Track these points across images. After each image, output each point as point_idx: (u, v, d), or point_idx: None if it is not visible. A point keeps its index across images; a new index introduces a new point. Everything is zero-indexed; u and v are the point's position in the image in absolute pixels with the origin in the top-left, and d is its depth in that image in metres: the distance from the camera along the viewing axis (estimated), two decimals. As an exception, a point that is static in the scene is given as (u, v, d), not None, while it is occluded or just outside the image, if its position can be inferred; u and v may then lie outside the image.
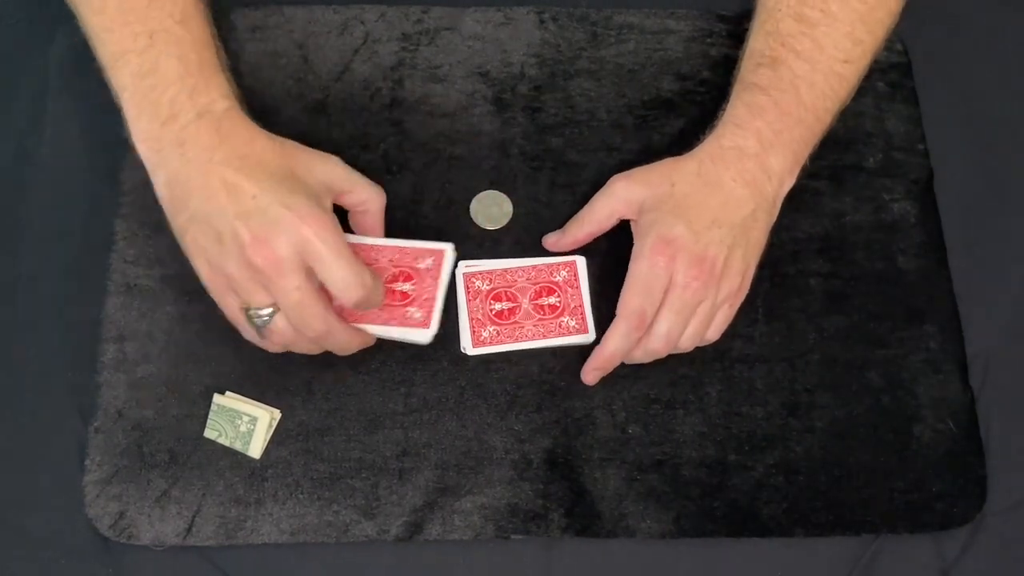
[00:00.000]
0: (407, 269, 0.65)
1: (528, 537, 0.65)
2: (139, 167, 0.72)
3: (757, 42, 0.69)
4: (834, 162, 0.75)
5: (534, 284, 0.67)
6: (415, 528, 0.65)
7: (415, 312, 0.65)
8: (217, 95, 0.61)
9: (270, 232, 0.56)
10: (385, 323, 0.64)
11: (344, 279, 0.58)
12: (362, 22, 0.78)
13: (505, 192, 0.73)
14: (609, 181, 0.68)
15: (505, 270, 0.67)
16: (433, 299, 0.65)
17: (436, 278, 0.66)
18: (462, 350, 0.69)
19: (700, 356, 0.69)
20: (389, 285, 0.65)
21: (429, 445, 0.66)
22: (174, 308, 0.69)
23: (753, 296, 0.71)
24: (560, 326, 0.67)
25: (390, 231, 0.70)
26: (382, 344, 0.68)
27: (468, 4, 0.79)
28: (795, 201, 0.73)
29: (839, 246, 0.73)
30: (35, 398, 0.67)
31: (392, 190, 0.72)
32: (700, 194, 0.65)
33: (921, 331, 0.71)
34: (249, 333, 0.62)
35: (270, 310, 0.59)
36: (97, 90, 0.74)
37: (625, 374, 0.69)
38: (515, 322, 0.66)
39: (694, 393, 0.68)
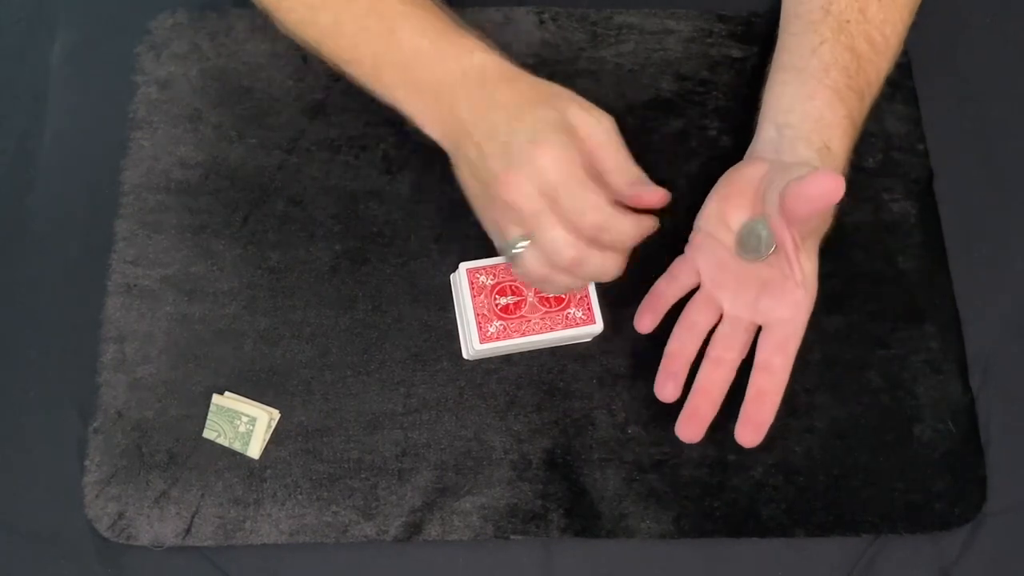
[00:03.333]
0: None
1: (527, 538, 0.65)
2: (139, 167, 0.72)
3: (839, 55, 0.66)
4: (834, 162, 0.75)
5: None
6: (414, 528, 0.65)
7: (576, 312, 0.66)
8: (473, 47, 0.61)
9: (515, 166, 0.56)
10: (551, 330, 0.66)
11: (575, 204, 0.56)
12: (362, 22, 0.78)
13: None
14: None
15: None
16: (588, 296, 0.66)
17: None
18: (465, 356, 0.69)
19: (700, 356, 0.69)
20: (540, 294, 0.66)
21: (428, 445, 0.66)
22: (174, 308, 0.69)
23: (753, 296, 0.71)
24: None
25: (391, 234, 0.70)
26: (382, 344, 0.68)
27: (468, 4, 0.78)
28: (795, 201, 0.74)
29: (839, 246, 0.73)
30: (35, 398, 0.67)
31: (392, 190, 0.72)
32: None
33: (921, 331, 0.71)
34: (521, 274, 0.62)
35: (524, 241, 0.58)
36: (97, 90, 0.75)
37: (625, 374, 0.69)
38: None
39: (694, 393, 0.68)
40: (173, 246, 0.70)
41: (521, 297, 0.66)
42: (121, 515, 0.64)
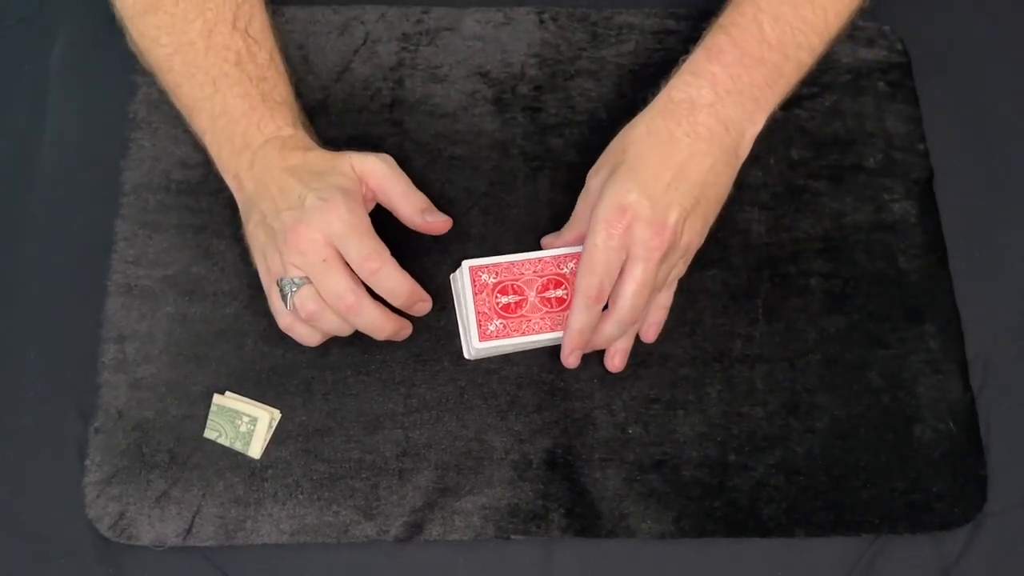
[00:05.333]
0: (553, 276, 0.66)
1: (528, 537, 0.65)
2: (139, 167, 0.72)
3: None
4: (834, 162, 0.75)
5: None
6: (415, 528, 0.65)
7: None
8: (282, 123, 0.66)
9: (303, 218, 0.61)
10: (551, 330, 0.66)
11: (359, 251, 0.61)
12: (362, 22, 0.78)
13: (505, 192, 0.73)
14: (586, 179, 0.68)
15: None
16: None
17: None
18: (466, 356, 0.69)
19: (700, 356, 0.69)
20: (542, 294, 0.66)
21: (429, 445, 0.66)
22: (174, 308, 0.69)
23: (753, 296, 0.71)
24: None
25: (391, 233, 0.70)
26: (382, 344, 0.68)
27: (468, 4, 0.79)
28: (795, 201, 0.74)
29: (839, 246, 0.73)
30: (35, 398, 0.67)
31: (392, 190, 0.72)
32: (654, 154, 0.63)
33: (921, 331, 0.71)
34: (284, 318, 0.65)
35: (301, 280, 0.62)
36: (97, 90, 0.75)
37: (625, 374, 0.69)
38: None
39: (694, 393, 0.69)
40: (173, 246, 0.70)
41: (522, 296, 0.66)
42: (122, 515, 0.64)
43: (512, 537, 0.65)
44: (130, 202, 0.71)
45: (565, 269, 0.67)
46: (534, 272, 0.67)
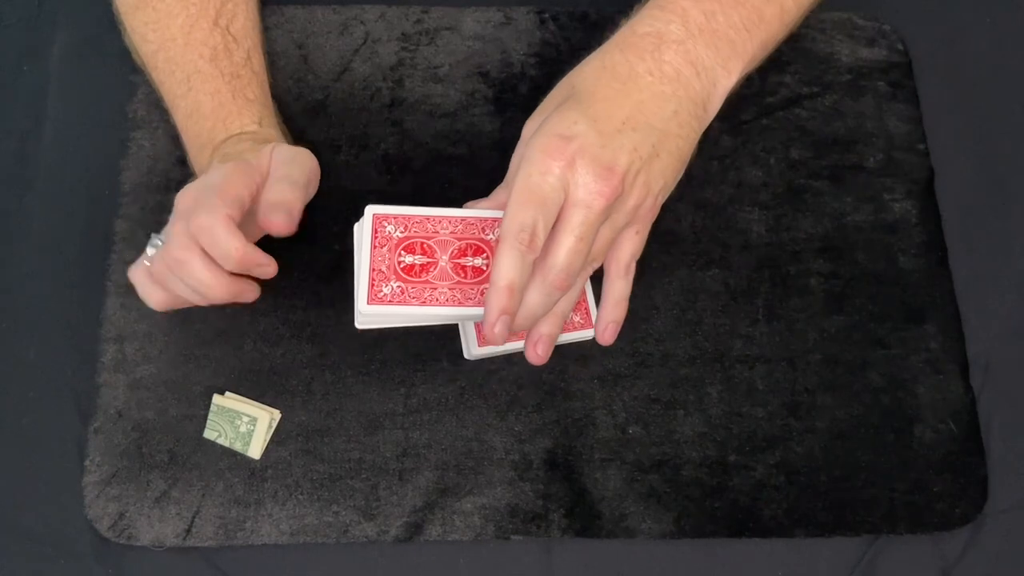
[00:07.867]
0: (474, 242, 0.56)
1: (528, 538, 0.65)
2: (139, 167, 0.72)
3: None
4: (834, 162, 0.75)
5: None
6: (415, 529, 0.65)
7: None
8: (248, 120, 0.66)
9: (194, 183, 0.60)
10: (460, 304, 0.55)
11: (197, 206, 0.57)
12: (362, 22, 0.78)
13: (505, 192, 0.73)
14: (523, 130, 0.59)
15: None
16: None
17: None
18: (466, 356, 0.68)
19: (700, 356, 0.69)
20: (457, 260, 0.56)
21: (429, 446, 0.66)
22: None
23: (753, 296, 0.71)
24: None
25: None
26: (382, 345, 0.68)
27: (468, 4, 0.79)
28: (795, 201, 0.74)
29: (840, 246, 0.73)
30: (35, 398, 0.67)
31: (392, 190, 0.72)
32: (608, 89, 0.53)
33: (921, 331, 0.71)
34: (135, 268, 0.63)
35: (160, 240, 0.60)
36: (97, 90, 0.75)
37: (625, 374, 0.69)
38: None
39: (694, 393, 0.68)
40: (173, 246, 0.70)
41: (432, 259, 0.56)
42: (122, 515, 0.64)
43: (512, 537, 0.65)
44: (130, 202, 0.71)
45: (490, 235, 0.57)
46: (451, 233, 0.57)
